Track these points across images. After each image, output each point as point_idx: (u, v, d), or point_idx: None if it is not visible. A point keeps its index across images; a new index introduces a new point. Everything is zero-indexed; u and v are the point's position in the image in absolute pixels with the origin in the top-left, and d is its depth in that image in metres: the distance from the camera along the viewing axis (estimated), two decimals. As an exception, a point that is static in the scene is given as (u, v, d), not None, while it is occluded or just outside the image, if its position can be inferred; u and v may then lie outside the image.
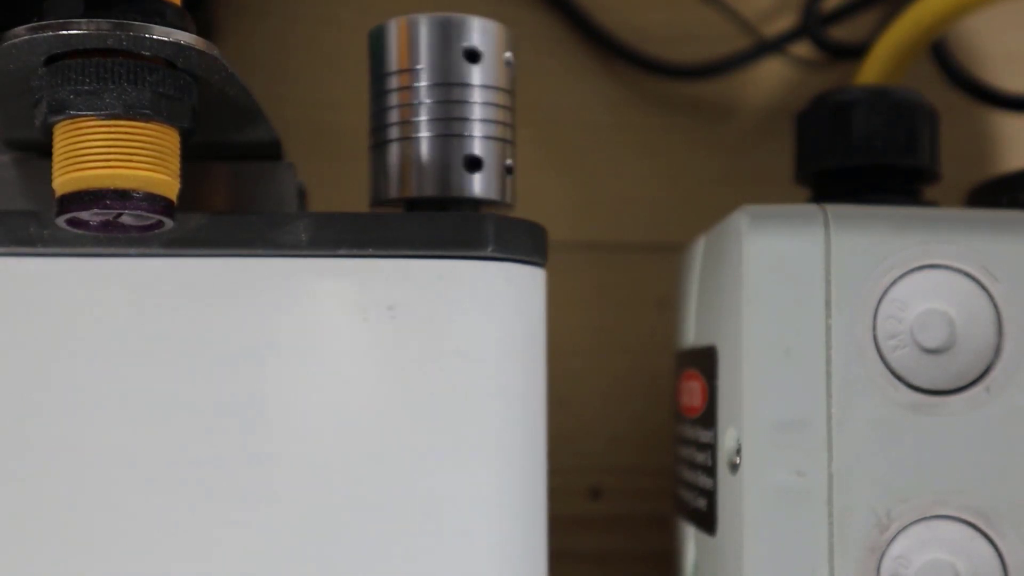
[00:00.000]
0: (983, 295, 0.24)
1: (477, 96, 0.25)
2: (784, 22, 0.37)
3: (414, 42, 0.25)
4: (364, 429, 0.23)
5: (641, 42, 0.37)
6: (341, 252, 0.23)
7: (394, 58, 0.25)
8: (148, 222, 0.22)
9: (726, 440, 0.25)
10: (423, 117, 0.25)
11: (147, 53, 0.21)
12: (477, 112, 0.25)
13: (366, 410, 0.23)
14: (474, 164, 0.25)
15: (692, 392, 0.28)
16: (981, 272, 0.25)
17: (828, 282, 0.24)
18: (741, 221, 0.25)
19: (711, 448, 0.26)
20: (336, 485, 0.23)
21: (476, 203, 0.25)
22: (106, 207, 0.21)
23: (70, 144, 0.21)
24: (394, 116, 0.25)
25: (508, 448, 0.24)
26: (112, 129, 0.21)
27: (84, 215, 0.21)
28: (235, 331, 0.23)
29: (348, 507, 0.23)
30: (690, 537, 0.29)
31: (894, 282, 0.24)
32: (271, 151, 0.25)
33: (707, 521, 0.27)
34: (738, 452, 0.25)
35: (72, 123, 0.21)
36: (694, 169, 0.37)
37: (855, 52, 0.35)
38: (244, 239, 0.23)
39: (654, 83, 0.37)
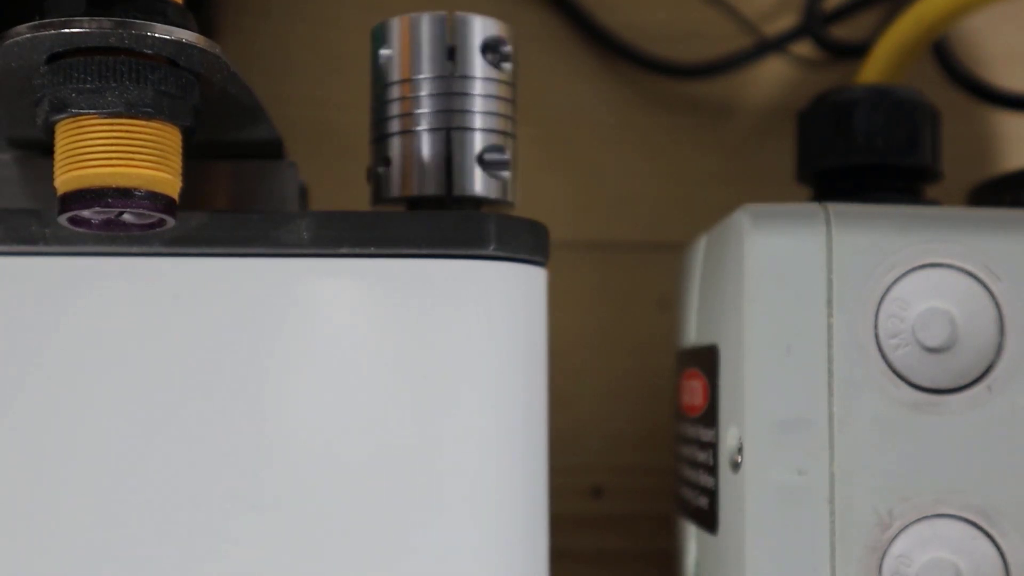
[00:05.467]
0: (985, 294, 0.24)
1: (478, 95, 0.25)
2: (785, 21, 0.37)
3: (416, 41, 0.25)
4: (365, 428, 0.23)
5: (642, 41, 0.37)
6: (342, 251, 0.23)
7: (396, 57, 0.25)
8: (150, 220, 0.22)
9: (728, 439, 0.25)
10: (424, 115, 0.25)
11: (149, 51, 0.21)
12: (478, 111, 0.25)
13: (367, 409, 0.23)
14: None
15: (693, 391, 0.28)
16: (983, 271, 0.25)
17: (830, 281, 0.24)
18: (743, 220, 0.25)
19: (712, 447, 0.26)
20: (337, 484, 0.23)
21: (478, 202, 0.25)
22: (108, 205, 0.21)
23: (72, 142, 0.21)
24: (396, 115, 0.25)
25: (509, 447, 0.24)
26: (114, 127, 0.21)
27: (86, 213, 0.21)
28: (236, 330, 0.23)
29: (348, 506, 0.23)
30: (691, 536, 0.29)
31: (896, 281, 0.24)
32: (273, 150, 0.25)
33: (708, 520, 0.27)
34: (740, 451, 0.25)
35: (74, 121, 0.21)
36: (695, 168, 0.37)
37: (856, 51, 0.35)
38: (245, 238, 0.23)
39: (655, 82, 0.37)
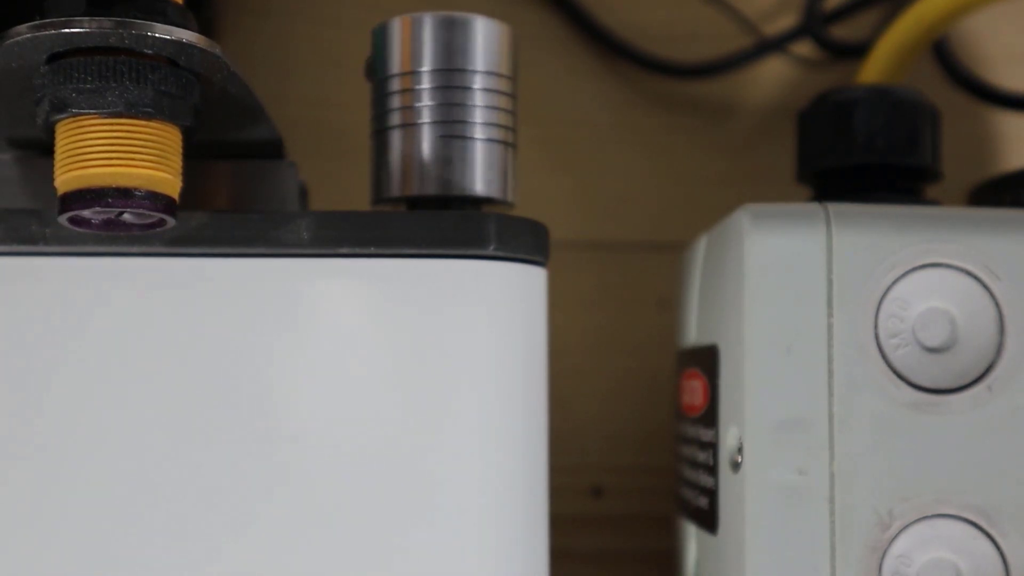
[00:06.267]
0: (985, 294, 0.24)
1: (479, 95, 0.25)
2: (785, 21, 0.37)
3: (416, 41, 0.25)
4: (365, 427, 0.23)
5: (642, 41, 0.37)
6: (343, 251, 0.23)
7: (396, 57, 0.25)
8: (150, 220, 0.22)
9: (728, 439, 0.25)
10: (425, 116, 0.25)
11: (149, 51, 0.21)
12: (479, 111, 0.25)
13: (367, 408, 0.23)
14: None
15: (694, 391, 0.28)
16: (983, 271, 0.25)
17: (830, 281, 0.24)
18: (743, 220, 0.25)
19: (713, 447, 0.26)
20: (337, 483, 0.23)
21: (478, 202, 0.25)
22: (108, 205, 0.21)
23: (72, 142, 0.21)
24: (396, 115, 0.25)
25: (509, 447, 0.24)
26: (114, 127, 0.21)
27: (86, 213, 0.21)
28: (236, 329, 0.23)
29: (349, 505, 0.23)
30: (691, 536, 0.29)
31: (896, 281, 0.24)
32: (273, 150, 0.25)
33: (709, 520, 0.27)
34: (740, 451, 0.25)
35: (74, 121, 0.21)
36: (695, 168, 0.37)
37: (856, 51, 0.35)
38: (246, 238, 0.23)
39: (655, 82, 0.37)
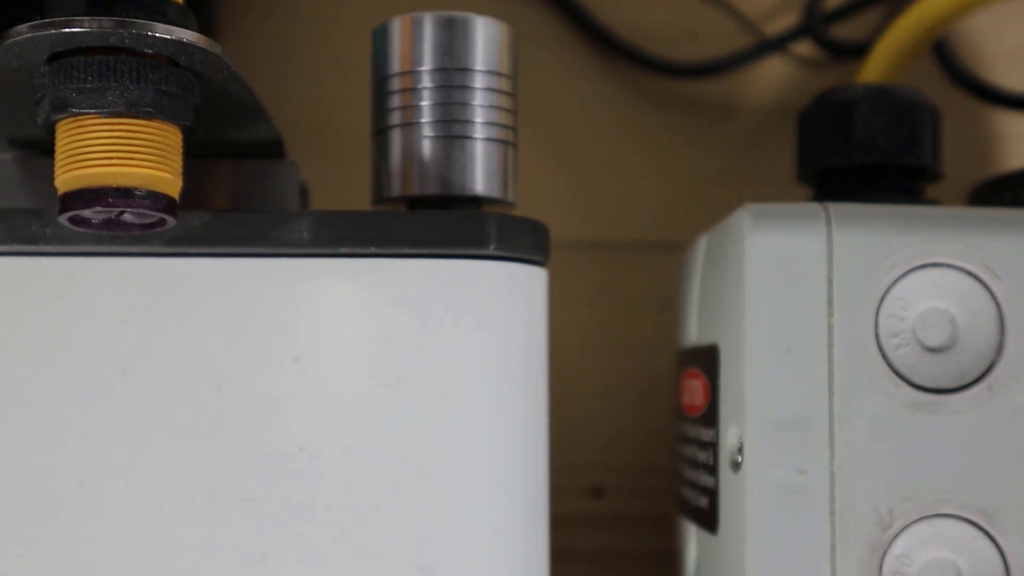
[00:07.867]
0: (985, 294, 0.24)
1: (479, 95, 0.25)
2: (786, 21, 0.37)
3: (416, 40, 0.25)
4: (364, 427, 0.23)
5: (642, 41, 0.37)
6: (343, 251, 0.23)
7: (396, 56, 0.25)
8: (150, 220, 0.22)
9: (728, 439, 0.26)
10: (425, 115, 0.25)
11: (150, 51, 0.21)
12: (479, 111, 0.25)
13: (367, 408, 0.23)
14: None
15: (694, 391, 0.28)
16: (983, 271, 0.25)
17: (830, 280, 0.24)
18: (743, 220, 0.25)
19: (713, 447, 0.26)
20: (335, 484, 0.23)
21: (478, 201, 0.25)
22: (108, 205, 0.21)
23: (72, 142, 0.21)
24: (396, 114, 0.25)
25: (509, 447, 0.24)
26: (114, 127, 0.21)
27: (86, 213, 0.21)
28: (236, 329, 0.23)
29: (346, 506, 0.23)
30: (692, 536, 0.29)
31: (896, 280, 0.24)
32: (273, 149, 0.25)
33: (709, 520, 0.27)
34: (740, 450, 0.25)
35: (74, 121, 0.21)
36: (695, 168, 0.37)
37: (857, 51, 0.35)
38: (246, 237, 0.23)
39: (655, 82, 0.37)
